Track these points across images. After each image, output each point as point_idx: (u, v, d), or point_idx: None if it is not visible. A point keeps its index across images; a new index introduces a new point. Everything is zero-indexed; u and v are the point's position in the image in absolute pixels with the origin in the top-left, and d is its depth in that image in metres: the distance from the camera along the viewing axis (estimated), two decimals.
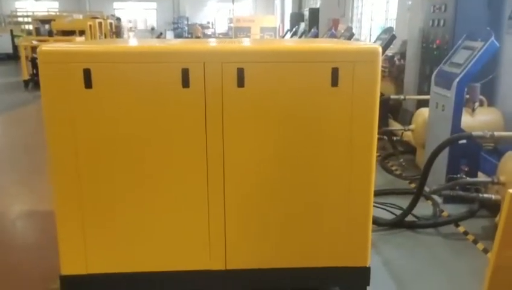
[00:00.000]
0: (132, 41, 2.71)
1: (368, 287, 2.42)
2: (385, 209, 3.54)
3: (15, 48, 18.07)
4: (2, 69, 15.45)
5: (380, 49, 2.17)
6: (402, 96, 5.19)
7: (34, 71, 10.45)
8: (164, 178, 2.24)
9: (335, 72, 2.16)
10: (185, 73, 2.15)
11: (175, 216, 2.28)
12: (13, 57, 17.93)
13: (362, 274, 2.38)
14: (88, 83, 2.13)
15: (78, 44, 2.30)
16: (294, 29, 15.30)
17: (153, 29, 28.86)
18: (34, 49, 10.62)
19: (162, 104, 2.18)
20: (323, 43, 2.35)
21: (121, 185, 2.24)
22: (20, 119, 7.82)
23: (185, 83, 2.16)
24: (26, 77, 10.68)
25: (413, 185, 4.27)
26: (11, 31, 19.05)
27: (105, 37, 16.01)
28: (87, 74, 2.12)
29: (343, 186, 2.28)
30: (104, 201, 2.24)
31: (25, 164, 5.18)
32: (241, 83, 2.17)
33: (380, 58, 2.16)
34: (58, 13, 22.21)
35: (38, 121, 7.75)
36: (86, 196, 2.23)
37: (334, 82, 2.18)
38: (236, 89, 2.17)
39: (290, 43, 2.53)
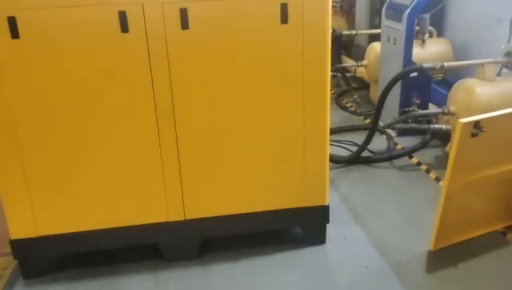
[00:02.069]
0: None
1: (327, 225, 2.45)
2: (341, 146, 3.57)
3: None
4: None
5: None
6: (354, 32, 5.13)
7: None
8: (111, 130, 2.12)
9: (284, 8, 2.05)
10: (123, 16, 1.98)
11: (127, 169, 2.18)
12: None
13: (321, 213, 2.41)
14: (14, 33, 1.92)
15: None
16: None
17: None
18: None
19: (100, 52, 2.01)
20: None
21: (63, 141, 2.10)
22: None
23: (124, 27, 1.99)
24: None
25: (368, 121, 4.32)
26: None
27: None
28: (12, 22, 1.91)
29: (298, 127, 2.24)
30: (47, 159, 2.11)
31: None
32: (185, 24, 2.02)
33: None
34: None
35: None
36: (26, 156, 2.08)
37: (284, 19, 2.07)
38: (180, 32, 2.03)
39: None
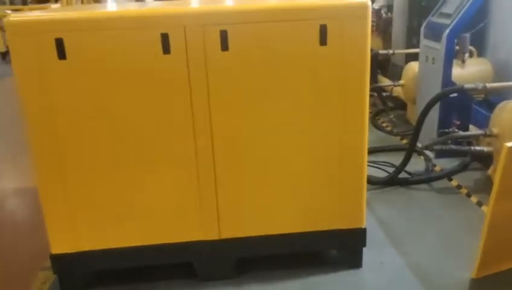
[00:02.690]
0: (107, 7, 2.55)
1: (364, 248, 2.40)
2: (377, 167, 3.51)
3: None
4: None
5: (370, 4, 2.06)
6: (391, 51, 5.07)
7: None
8: (150, 150, 2.16)
9: (323, 29, 2.06)
10: (165, 38, 2.03)
11: (164, 187, 2.21)
12: None
13: (358, 236, 2.36)
14: (61, 54, 2.00)
15: (49, 12, 2.15)
16: None
17: None
18: None
19: (142, 73, 2.07)
20: (310, 0, 2.23)
21: (104, 159, 2.15)
22: (1, 92, 7.59)
23: (166, 49, 2.04)
24: (3, 48, 10.31)
25: (404, 141, 4.24)
26: None
27: (82, 2, 15.43)
28: (59, 43, 1.99)
29: (335, 147, 2.22)
30: (88, 176, 2.16)
31: (9, 139, 5.04)
32: (225, 46, 2.05)
33: (370, 13, 2.05)
34: None
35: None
36: (69, 173, 2.14)
37: (323, 41, 2.07)
38: (220, 53, 2.06)
39: (275, 1, 2.39)
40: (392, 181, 3.33)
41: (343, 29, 2.05)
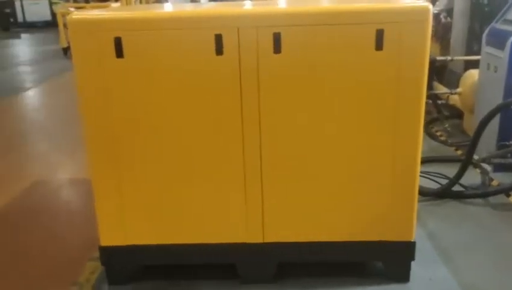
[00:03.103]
0: (164, 7, 2.60)
1: (412, 262, 2.31)
2: (429, 178, 3.37)
3: (53, 15, 18.31)
4: (42, 36, 15.72)
5: (431, 7, 1.97)
6: (449, 57, 4.87)
7: None
8: (200, 149, 2.18)
9: (380, 34, 1.99)
10: (218, 39, 2.03)
11: (212, 188, 2.22)
12: (52, 24, 18.18)
13: (406, 249, 2.27)
14: (119, 52, 2.06)
15: (109, 11, 2.22)
16: None
17: None
18: None
19: (195, 72, 2.09)
20: (366, 3, 2.17)
21: (156, 156, 2.19)
22: (61, 86, 7.97)
23: (219, 50, 2.05)
24: (65, 44, 10.80)
25: (459, 152, 4.06)
26: None
27: (140, 2, 15.93)
28: (118, 42, 2.04)
29: (388, 156, 2.15)
30: (139, 172, 2.21)
31: (68, 131, 5.27)
32: (277, 48, 2.04)
33: (431, 17, 1.97)
34: None
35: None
36: (121, 168, 2.20)
37: (379, 45, 2.01)
38: (272, 55, 2.05)
39: (330, 3, 2.35)
40: (444, 194, 3.18)
41: (402, 34, 1.98)
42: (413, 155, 2.14)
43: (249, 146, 2.16)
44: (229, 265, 2.36)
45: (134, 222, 2.27)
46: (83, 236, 2.88)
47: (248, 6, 2.31)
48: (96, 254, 2.49)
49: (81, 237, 2.88)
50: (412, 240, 2.26)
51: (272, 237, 2.29)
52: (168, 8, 2.54)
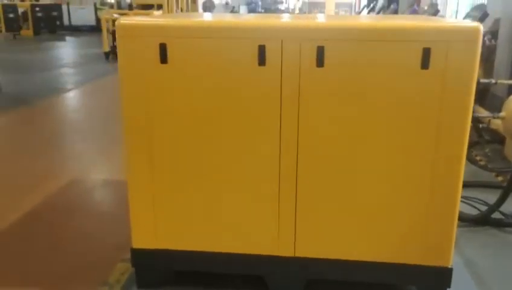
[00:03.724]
0: (208, 16, 2.63)
1: None
2: (467, 203, 3.26)
3: (98, 20, 18.94)
4: (86, 40, 16.28)
5: (481, 28, 1.92)
6: (493, 80, 4.73)
7: (114, 43, 10.87)
8: (236, 158, 2.17)
9: (426, 52, 1.95)
10: (262, 50, 2.04)
11: (246, 198, 2.21)
12: (96, 29, 18.81)
13: (442, 275, 2.19)
14: (163, 58, 2.09)
15: (155, 18, 2.26)
16: (371, 5, 14.57)
17: (227, 3, 28.90)
18: (114, 22, 11.01)
19: (236, 82, 2.09)
20: (413, 20, 2.13)
21: (192, 163, 2.20)
22: (102, 89, 8.20)
23: (261, 60, 2.05)
24: (107, 48, 11.15)
25: (500, 179, 3.91)
26: (95, 4, 19.93)
27: (181, 11, 16.28)
28: (163, 48, 2.08)
29: (428, 177, 2.09)
30: (174, 177, 2.22)
31: (105, 132, 5.40)
32: (320, 62, 2.02)
33: (481, 38, 1.91)
34: None
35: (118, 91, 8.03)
36: (157, 172, 2.22)
37: (425, 64, 1.97)
38: (314, 69, 2.03)
39: (375, 19, 2.32)
40: (484, 220, 3.07)
41: (449, 54, 1.93)
42: (455, 177, 2.08)
43: (286, 158, 2.14)
44: (256, 277, 2.34)
45: (167, 226, 2.29)
46: (115, 237, 2.92)
47: (293, 18, 2.31)
48: (128, 255, 2.52)
49: (113, 237, 2.92)
50: (449, 266, 2.18)
51: (303, 252, 2.25)
52: (212, 17, 2.57)
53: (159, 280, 2.40)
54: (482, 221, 3.08)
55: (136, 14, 12.05)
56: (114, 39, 10.88)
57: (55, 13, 18.28)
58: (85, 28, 19.01)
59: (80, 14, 19.16)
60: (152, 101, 2.14)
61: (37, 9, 17.23)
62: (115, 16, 11.36)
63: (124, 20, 2.12)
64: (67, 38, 16.76)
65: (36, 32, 17.09)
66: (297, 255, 2.26)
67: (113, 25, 10.99)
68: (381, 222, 2.17)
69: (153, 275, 2.39)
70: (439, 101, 2.00)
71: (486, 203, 3.18)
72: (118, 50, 2.12)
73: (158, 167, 2.21)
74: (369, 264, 2.22)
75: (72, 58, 12.19)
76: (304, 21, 2.19)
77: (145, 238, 2.32)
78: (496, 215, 3.10)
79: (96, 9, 19.38)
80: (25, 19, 16.92)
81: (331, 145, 2.11)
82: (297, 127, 2.11)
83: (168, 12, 14.54)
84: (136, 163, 2.22)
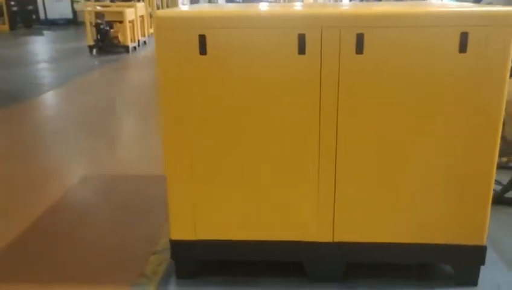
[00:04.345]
0: (246, 6, 2.63)
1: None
2: None
3: (74, 13, 18.51)
4: (63, 34, 15.85)
5: None
6: None
7: (98, 37, 10.64)
8: (275, 147, 2.20)
9: (464, 37, 2.01)
10: (302, 39, 2.06)
11: (284, 186, 2.24)
12: (73, 22, 18.38)
13: (477, 253, 2.28)
14: (203, 50, 2.08)
15: (192, 9, 2.25)
16: None
17: None
18: (97, 14, 10.78)
19: (276, 71, 2.11)
20: (451, 6, 2.18)
21: (231, 152, 2.21)
22: (92, 83, 8.04)
23: (301, 49, 2.07)
24: (91, 42, 10.91)
25: (504, 159, 4.03)
26: None
27: (161, 3, 16.08)
28: (202, 40, 2.07)
29: (462, 159, 2.15)
30: (214, 168, 2.23)
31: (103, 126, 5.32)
32: (359, 49, 2.06)
33: None
34: None
35: (109, 85, 7.91)
36: (197, 163, 2.22)
37: (463, 48, 2.02)
38: (354, 56, 2.06)
39: (413, 6, 2.37)
40: (498, 200, 3.17)
41: (487, 38, 1.99)
42: (489, 158, 2.15)
43: (325, 145, 2.18)
44: (292, 263, 2.38)
45: (206, 217, 2.30)
46: (142, 231, 2.91)
47: (331, 6, 2.33)
48: (159, 247, 2.53)
49: (140, 231, 2.91)
50: (483, 245, 2.26)
51: (341, 237, 2.30)
52: (250, 7, 2.57)
53: (198, 270, 2.41)
54: (496, 201, 3.18)
55: (118, 7, 11.84)
56: (97, 32, 10.66)
57: (30, 7, 17.77)
58: (61, 22, 18.55)
59: (56, 7, 18.66)
60: (191, 92, 2.14)
61: (12, 3, 16.72)
62: (98, 8, 11.14)
63: (161, 12, 2.11)
64: (45, 32, 16.32)
65: (12, 27, 16.61)
66: (336, 240, 2.30)
67: (96, 18, 10.75)
68: (418, 205, 2.23)
69: (192, 265, 2.41)
70: (476, 84, 2.06)
71: (500, 183, 3.29)
72: (156, 42, 2.10)
73: (197, 158, 2.22)
74: (406, 246, 2.29)
75: (53, 53, 11.83)
76: (344, 9, 2.21)
77: (184, 230, 2.32)
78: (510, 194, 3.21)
79: (72, 1, 18.91)
80: (1, 14, 16.41)
81: (369, 130, 2.15)
82: (336, 113, 2.14)
83: (149, 4, 14.36)
84: (175, 154, 2.22)
